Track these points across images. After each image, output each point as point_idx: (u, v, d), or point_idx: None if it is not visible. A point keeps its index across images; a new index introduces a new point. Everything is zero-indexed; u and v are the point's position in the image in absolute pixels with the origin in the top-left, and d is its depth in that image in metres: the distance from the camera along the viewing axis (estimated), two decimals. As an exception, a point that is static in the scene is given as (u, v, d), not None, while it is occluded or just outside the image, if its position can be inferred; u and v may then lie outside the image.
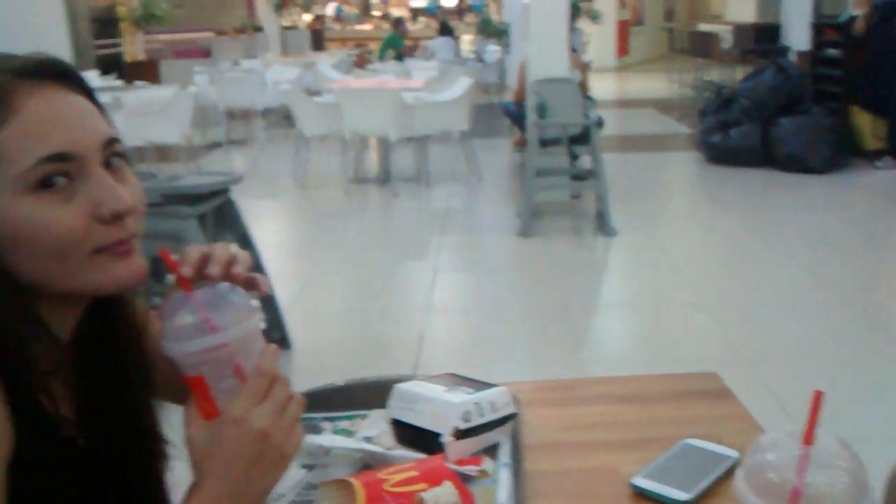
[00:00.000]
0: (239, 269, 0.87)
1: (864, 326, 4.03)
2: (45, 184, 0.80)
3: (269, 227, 6.09)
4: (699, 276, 4.91)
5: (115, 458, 0.97)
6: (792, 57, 8.68)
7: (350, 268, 5.28)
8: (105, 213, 0.82)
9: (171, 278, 0.85)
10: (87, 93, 0.88)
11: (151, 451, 1.03)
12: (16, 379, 0.82)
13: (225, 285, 0.85)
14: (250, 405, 0.82)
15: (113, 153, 0.85)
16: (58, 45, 3.32)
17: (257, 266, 0.72)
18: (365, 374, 1.31)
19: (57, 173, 0.80)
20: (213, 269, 0.85)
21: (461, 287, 4.98)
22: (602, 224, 5.71)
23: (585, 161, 6.34)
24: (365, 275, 5.10)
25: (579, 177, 6.26)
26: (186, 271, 0.84)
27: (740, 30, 12.34)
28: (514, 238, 5.59)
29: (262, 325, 0.86)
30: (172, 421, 1.05)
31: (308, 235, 5.82)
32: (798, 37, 9.01)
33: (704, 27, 14.99)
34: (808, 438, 0.71)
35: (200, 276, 0.85)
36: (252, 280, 0.88)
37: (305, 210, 6.92)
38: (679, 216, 6.62)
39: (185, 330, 0.81)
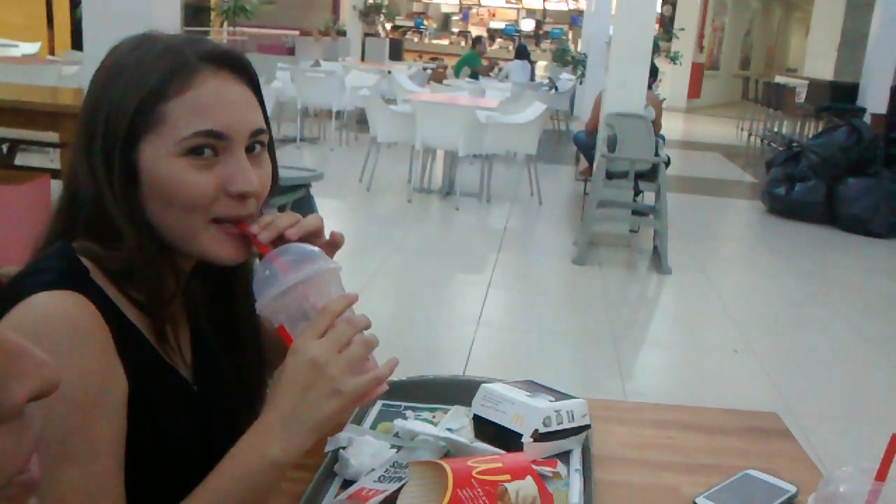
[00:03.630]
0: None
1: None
2: (194, 151, 0.93)
3: (332, 225, 6.12)
4: (748, 323, 4.92)
5: (226, 409, 1.09)
6: (867, 119, 8.63)
7: (406, 274, 5.39)
8: (233, 189, 0.95)
9: (255, 252, 0.97)
10: (255, 85, 1.01)
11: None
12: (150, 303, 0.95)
13: (297, 243, 0.96)
14: (309, 338, 0.89)
15: (257, 141, 0.98)
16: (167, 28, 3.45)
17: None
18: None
19: (206, 146, 0.93)
20: (291, 234, 0.98)
21: (512, 305, 5.06)
22: (657, 261, 5.76)
23: (648, 198, 6.38)
24: (420, 282, 5.21)
25: (640, 212, 6.30)
26: (265, 236, 0.96)
27: (817, 86, 12.27)
28: (569, 264, 5.66)
29: (339, 267, 0.95)
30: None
31: (369, 238, 5.94)
32: (876, 99, 8.97)
33: (780, 79, 14.90)
34: (882, 475, 0.78)
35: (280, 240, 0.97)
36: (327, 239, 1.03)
37: (368, 213, 7.06)
38: (734, 262, 6.63)
39: (264, 283, 0.91)
